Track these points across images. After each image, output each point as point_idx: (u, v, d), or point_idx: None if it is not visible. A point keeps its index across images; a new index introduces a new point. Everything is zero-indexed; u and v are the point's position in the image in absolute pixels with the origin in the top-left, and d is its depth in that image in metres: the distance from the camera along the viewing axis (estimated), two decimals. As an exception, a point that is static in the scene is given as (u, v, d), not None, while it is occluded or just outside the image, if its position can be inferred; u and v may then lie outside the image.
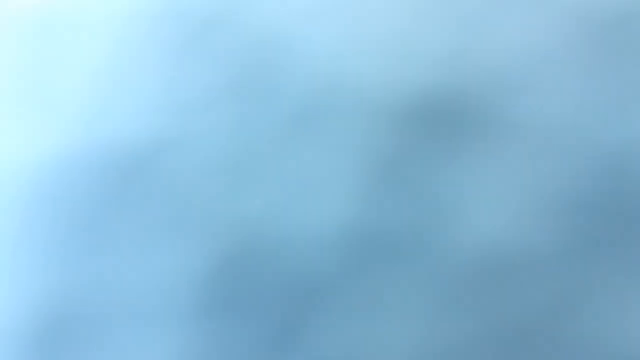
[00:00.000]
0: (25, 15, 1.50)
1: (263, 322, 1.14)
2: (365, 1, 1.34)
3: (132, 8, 1.44)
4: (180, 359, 1.14)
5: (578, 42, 1.23)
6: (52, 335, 1.20)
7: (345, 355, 1.10)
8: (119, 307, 1.19)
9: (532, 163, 1.17)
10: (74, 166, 1.32)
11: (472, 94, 1.23)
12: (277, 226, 1.20)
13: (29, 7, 1.51)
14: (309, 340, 1.12)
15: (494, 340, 1.07)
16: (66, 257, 1.25)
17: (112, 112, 1.35)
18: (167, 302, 1.18)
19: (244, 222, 1.21)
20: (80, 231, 1.26)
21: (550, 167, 1.16)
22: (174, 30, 1.39)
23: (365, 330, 1.11)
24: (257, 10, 1.38)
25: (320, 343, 1.11)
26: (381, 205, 1.18)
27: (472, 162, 1.18)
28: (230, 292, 1.17)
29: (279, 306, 1.15)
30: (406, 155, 1.21)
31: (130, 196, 1.27)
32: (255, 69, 1.32)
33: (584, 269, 1.09)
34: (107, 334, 1.19)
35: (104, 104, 1.36)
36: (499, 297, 1.10)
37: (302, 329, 1.13)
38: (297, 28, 1.34)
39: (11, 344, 1.21)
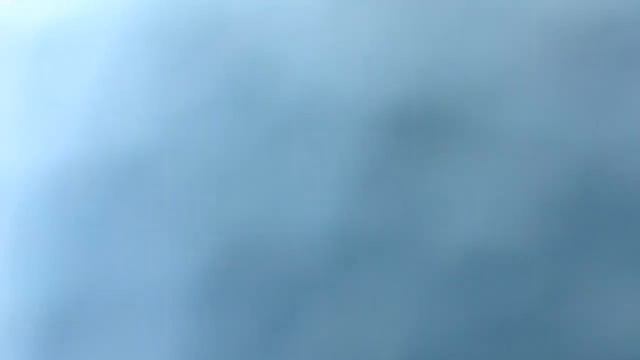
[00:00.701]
0: (26, 33, 1.52)
1: (255, 317, 1.17)
2: (347, 19, 1.36)
3: (128, 26, 1.46)
4: (177, 348, 1.18)
5: (549, 53, 1.26)
6: (61, 325, 1.24)
7: (334, 350, 1.13)
8: (121, 301, 1.23)
9: (510, 167, 1.19)
10: (74, 173, 1.35)
11: (449, 103, 1.25)
12: (267, 227, 1.23)
13: (29, 26, 1.53)
14: (298, 334, 1.15)
15: (480, 335, 1.10)
16: (72, 257, 1.29)
17: (110, 123, 1.38)
18: (165, 296, 1.21)
19: (236, 223, 1.24)
20: (82, 233, 1.30)
21: (527, 170, 1.19)
22: (168, 47, 1.42)
23: (354, 327, 1.14)
24: (246, 28, 1.40)
25: (309, 338, 1.15)
26: (367, 208, 1.21)
27: (452, 167, 1.21)
28: (223, 289, 1.20)
29: (269, 302, 1.18)
30: (389, 160, 1.23)
31: (128, 200, 1.30)
32: (245, 82, 1.35)
33: (564, 264, 1.12)
34: (111, 324, 1.23)
35: (102, 115, 1.39)
36: (484, 293, 1.13)
37: (292, 324, 1.16)
38: (283, 44, 1.37)
39: (26, 336, 1.25)
